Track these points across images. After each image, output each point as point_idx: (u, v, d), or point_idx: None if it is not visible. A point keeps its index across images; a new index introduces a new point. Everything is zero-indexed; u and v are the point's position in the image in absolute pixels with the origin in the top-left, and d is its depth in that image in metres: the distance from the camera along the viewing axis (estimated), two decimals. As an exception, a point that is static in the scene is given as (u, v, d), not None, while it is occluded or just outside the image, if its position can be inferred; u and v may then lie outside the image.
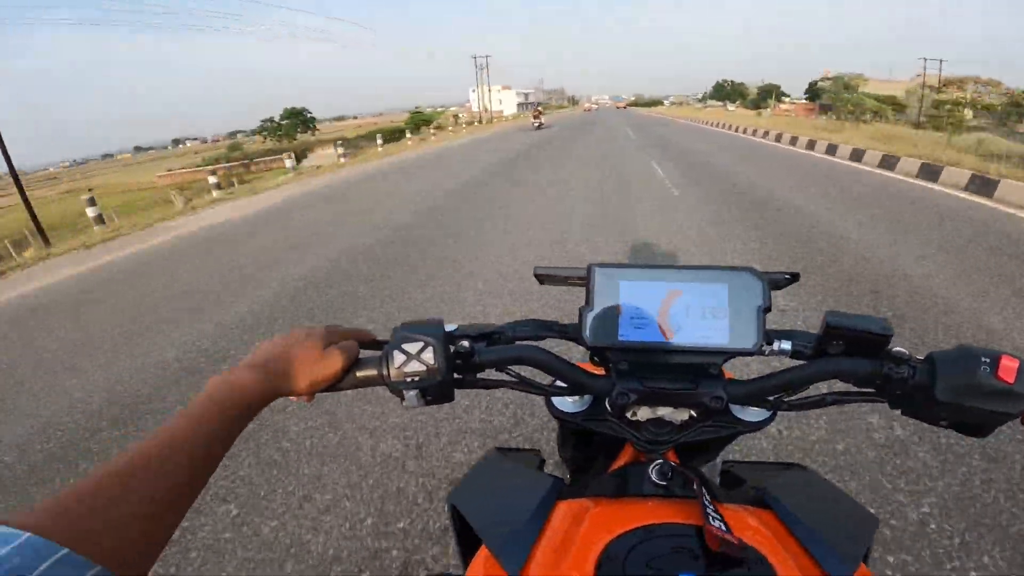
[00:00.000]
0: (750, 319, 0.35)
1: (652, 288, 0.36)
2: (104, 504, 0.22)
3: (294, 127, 32.48)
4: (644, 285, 0.36)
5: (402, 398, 0.35)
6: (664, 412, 0.37)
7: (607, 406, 0.37)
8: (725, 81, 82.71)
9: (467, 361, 0.36)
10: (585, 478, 0.48)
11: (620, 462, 0.44)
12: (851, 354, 0.34)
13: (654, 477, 0.36)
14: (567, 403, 0.41)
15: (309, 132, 33.53)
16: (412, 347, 0.34)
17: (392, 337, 0.35)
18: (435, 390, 0.35)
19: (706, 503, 0.30)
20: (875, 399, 0.35)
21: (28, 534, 0.19)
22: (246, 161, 23.33)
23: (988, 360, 0.30)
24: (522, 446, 1.21)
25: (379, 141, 14.78)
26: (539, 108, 17.57)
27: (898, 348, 0.33)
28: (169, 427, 0.27)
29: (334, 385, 0.35)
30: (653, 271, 0.36)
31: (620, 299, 0.36)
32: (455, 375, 0.36)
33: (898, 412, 0.33)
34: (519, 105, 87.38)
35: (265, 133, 32.99)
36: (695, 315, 0.35)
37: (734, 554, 0.27)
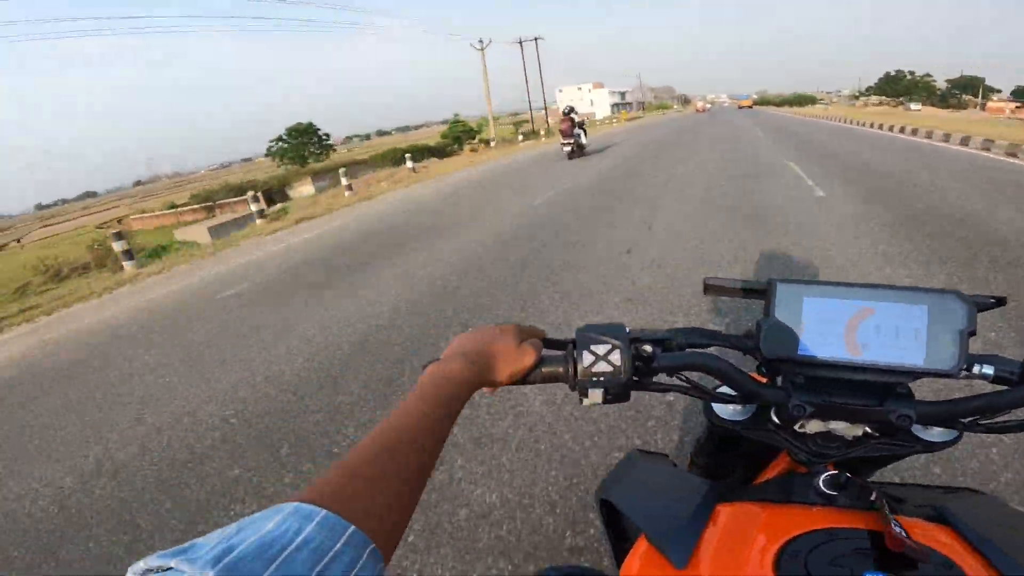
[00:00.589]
0: (951, 341, 0.37)
1: (839, 305, 0.40)
2: (371, 481, 0.26)
3: (302, 148, 25.89)
4: (830, 302, 0.40)
5: (585, 395, 0.41)
6: (836, 426, 0.41)
7: (773, 416, 0.43)
8: (900, 72, 68.59)
9: (647, 365, 0.42)
10: (729, 483, 0.54)
11: (773, 472, 0.50)
12: None
13: (823, 486, 0.41)
14: (728, 411, 0.48)
15: (323, 155, 26.72)
16: (600, 348, 0.40)
17: (577, 338, 0.41)
18: (616, 390, 0.41)
19: (887, 511, 0.34)
20: None
21: (325, 511, 0.22)
22: (210, 204, 17.91)
23: None
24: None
25: (409, 164, 12.88)
26: (573, 114, 10.21)
27: None
28: (404, 410, 0.33)
29: (524, 379, 0.42)
30: (842, 288, 0.40)
31: (803, 314, 0.40)
32: (633, 377, 0.41)
33: None
34: (613, 106, 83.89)
35: (277, 156, 25.89)
36: (887, 334, 0.38)
37: (920, 558, 0.30)
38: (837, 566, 0.33)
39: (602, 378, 0.40)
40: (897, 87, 68.50)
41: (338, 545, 0.21)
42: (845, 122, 17.12)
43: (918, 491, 0.46)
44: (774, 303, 0.42)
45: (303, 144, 26.50)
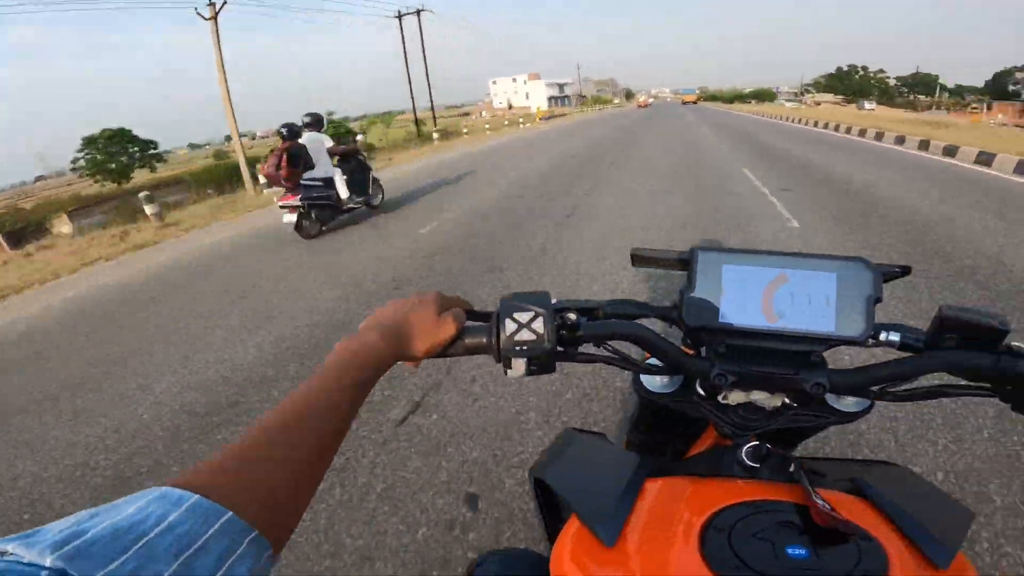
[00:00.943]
0: (859, 308, 0.44)
1: (756, 273, 0.46)
2: (256, 466, 0.28)
3: (114, 159, 21.92)
4: (748, 270, 0.46)
5: (509, 366, 0.45)
6: (757, 397, 0.48)
7: (699, 388, 0.49)
8: (852, 68, 72.42)
9: (571, 334, 0.47)
10: (662, 460, 0.62)
11: (701, 447, 0.58)
12: (965, 348, 0.42)
13: (746, 459, 0.47)
14: (656, 383, 0.55)
15: (144, 166, 23.16)
16: (523, 316, 0.45)
17: (500, 306, 0.45)
18: (541, 360, 0.45)
19: (807, 484, 0.40)
20: (987, 394, 0.44)
21: (197, 496, 0.23)
22: None
23: None
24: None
25: (148, 209, 7.59)
26: (306, 133, 5.26)
27: (1017, 343, 0.41)
28: (305, 389, 0.36)
29: (445, 351, 0.46)
30: (758, 256, 0.46)
31: (722, 283, 0.46)
32: (558, 347, 0.46)
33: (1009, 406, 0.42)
34: (551, 99, 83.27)
35: (89, 170, 22.01)
36: (800, 302, 0.45)
37: (842, 528, 0.35)
38: (760, 539, 0.39)
39: (525, 347, 0.45)
40: (849, 84, 71.40)
41: (210, 532, 0.22)
42: (805, 124, 17.18)
43: (836, 464, 0.54)
44: (695, 272, 0.48)
45: (116, 154, 22.47)
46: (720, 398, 0.50)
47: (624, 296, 0.70)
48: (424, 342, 0.45)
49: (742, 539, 0.39)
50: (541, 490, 0.55)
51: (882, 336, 0.47)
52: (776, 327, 0.46)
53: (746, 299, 0.47)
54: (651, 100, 72.14)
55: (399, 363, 0.44)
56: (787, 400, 0.49)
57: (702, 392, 0.51)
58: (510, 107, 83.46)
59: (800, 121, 18.07)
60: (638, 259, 0.54)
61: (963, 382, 0.45)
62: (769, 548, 0.38)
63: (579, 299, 0.52)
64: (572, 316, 0.47)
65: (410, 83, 20.20)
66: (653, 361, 0.51)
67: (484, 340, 0.46)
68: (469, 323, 0.48)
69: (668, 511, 0.44)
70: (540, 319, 0.45)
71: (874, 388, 0.47)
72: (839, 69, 74.50)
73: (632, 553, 0.41)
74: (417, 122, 21.72)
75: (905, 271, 0.51)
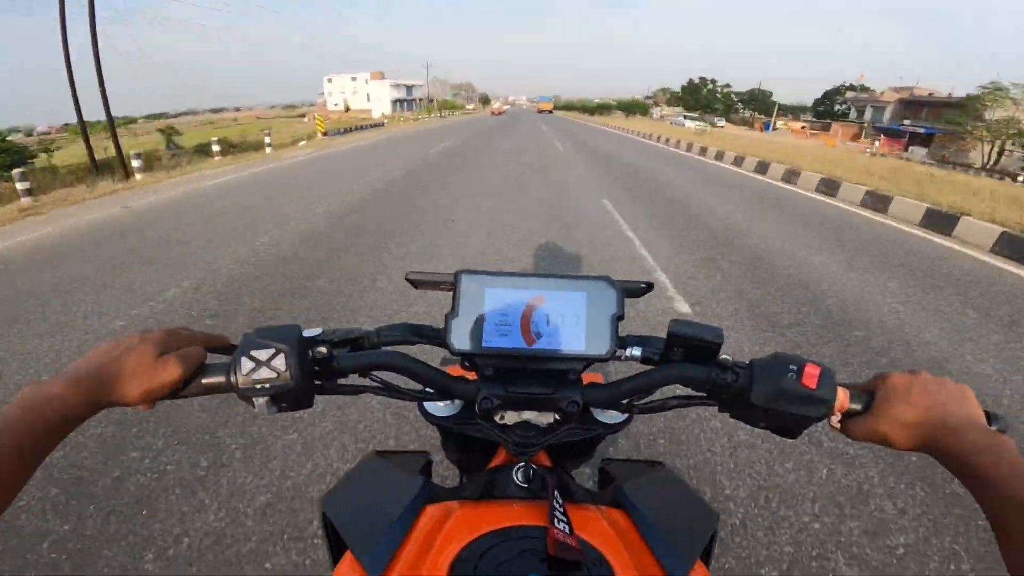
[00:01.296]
0: (604, 327, 0.55)
1: (515, 295, 0.55)
2: None
3: None
4: (508, 293, 0.55)
5: (252, 405, 0.50)
6: (530, 416, 0.58)
7: (476, 410, 0.56)
8: (702, 81, 79.48)
9: (326, 367, 0.54)
10: (452, 483, 0.76)
11: (494, 463, 0.69)
12: (690, 360, 0.56)
13: (518, 479, 0.59)
14: (439, 407, 0.64)
15: None
16: (262, 354, 0.50)
17: (241, 342, 0.51)
18: (289, 397, 0.51)
19: (555, 505, 0.50)
20: (707, 403, 0.57)
21: None
22: None
23: (795, 368, 0.51)
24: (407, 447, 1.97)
25: None
26: None
27: (724, 356, 0.55)
28: None
29: (175, 392, 0.50)
30: (517, 279, 0.56)
31: (485, 306, 0.55)
32: (316, 381, 0.54)
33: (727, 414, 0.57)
34: (396, 103, 79.55)
35: None
36: (555, 322, 0.55)
37: (571, 556, 0.45)
38: (504, 571, 0.47)
39: (266, 385, 0.49)
40: (697, 97, 78.83)
41: None
42: (667, 143, 18.01)
43: (625, 468, 0.70)
44: (459, 296, 0.55)
45: None
46: (497, 419, 0.60)
47: None
48: (137, 387, 0.48)
49: (486, 571, 0.47)
50: (327, 523, 0.61)
51: (627, 352, 0.60)
52: (534, 349, 0.55)
53: (507, 322, 0.56)
54: (506, 107, 74.29)
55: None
56: (557, 417, 0.59)
57: (478, 414, 0.59)
58: (347, 109, 78.97)
59: (665, 141, 18.10)
60: (415, 282, 0.66)
61: (691, 392, 0.59)
62: None
63: (348, 327, 0.61)
64: (323, 349, 0.54)
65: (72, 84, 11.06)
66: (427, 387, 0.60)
67: (223, 379, 0.51)
68: (212, 361, 0.53)
69: (432, 541, 0.52)
70: (281, 356, 0.50)
71: (624, 401, 0.60)
72: (690, 82, 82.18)
73: None
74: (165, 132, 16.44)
75: (649, 287, 0.67)
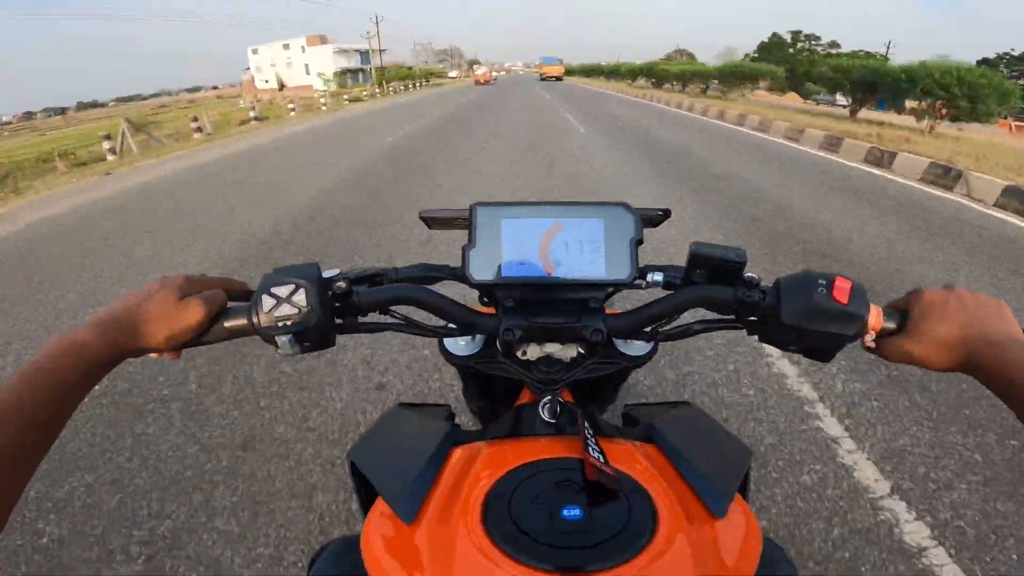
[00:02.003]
0: (624, 252, 0.70)
1: (533, 225, 0.71)
2: None
3: None
4: (525, 223, 0.71)
5: (275, 344, 0.65)
6: (552, 349, 0.76)
7: (497, 346, 0.76)
8: (794, 36, 79.81)
9: (346, 303, 0.70)
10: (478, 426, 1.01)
11: (518, 403, 0.86)
12: (713, 282, 0.71)
13: (545, 416, 0.74)
14: (459, 346, 0.84)
15: None
16: (282, 290, 0.64)
17: (261, 282, 0.65)
18: (312, 335, 0.66)
19: (588, 436, 0.62)
20: (734, 326, 0.73)
21: None
22: None
23: (824, 282, 0.63)
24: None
25: None
26: None
27: (749, 274, 0.69)
28: (12, 386, 0.52)
29: (198, 338, 0.65)
30: (533, 208, 0.71)
31: (502, 237, 0.71)
32: (336, 319, 0.70)
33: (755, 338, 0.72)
34: (345, 73, 78.67)
35: None
36: (574, 250, 0.70)
37: (610, 484, 0.56)
38: (539, 502, 0.58)
39: (288, 322, 0.64)
40: (785, 59, 72.96)
41: None
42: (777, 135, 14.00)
43: (650, 409, 0.87)
44: (476, 228, 0.71)
45: None
46: (519, 354, 0.77)
47: None
48: (161, 331, 0.62)
49: (521, 504, 0.58)
50: (355, 473, 0.76)
51: (649, 277, 0.77)
52: (554, 277, 0.71)
53: (525, 251, 0.71)
54: (494, 75, 72.42)
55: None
56: (581, 350, 0.77)
57: (500, 349, 0.78)
58: (281, 87, 77.39)
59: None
60: (428, 221, 0.84)
61: (717, 316, 0.75)
62: (545, 511, 0.57)
63: (367, 265, 0.80)
64: (342, 285, 0.69)
65: None
66: (448, 323, 0.77)
67: (244, 320, 0.66)
68: (233, 304, 0.68)
69: (463, 478, 0.65)
70: (301, 291, 0.64)
71: (647, 329, 0.77)
72: (774, 37, 78.99)
73: (426, 528, 0.60)
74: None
75: (666, 214, 0.83)
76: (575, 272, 0.70)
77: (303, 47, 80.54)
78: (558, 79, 60.30)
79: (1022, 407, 0.56)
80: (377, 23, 69.06)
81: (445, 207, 0.81)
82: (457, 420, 0.86)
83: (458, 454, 0.71)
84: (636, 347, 0.84)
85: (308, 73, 78.36)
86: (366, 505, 0.73)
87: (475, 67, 77.39)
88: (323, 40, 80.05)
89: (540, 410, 0.76)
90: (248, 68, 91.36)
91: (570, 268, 0.70)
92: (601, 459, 0.59)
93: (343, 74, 76.44)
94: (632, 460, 0.67)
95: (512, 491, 0.60)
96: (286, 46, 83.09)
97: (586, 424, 0.66)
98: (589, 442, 0.61)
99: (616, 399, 1.08)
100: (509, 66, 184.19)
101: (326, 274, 0.71)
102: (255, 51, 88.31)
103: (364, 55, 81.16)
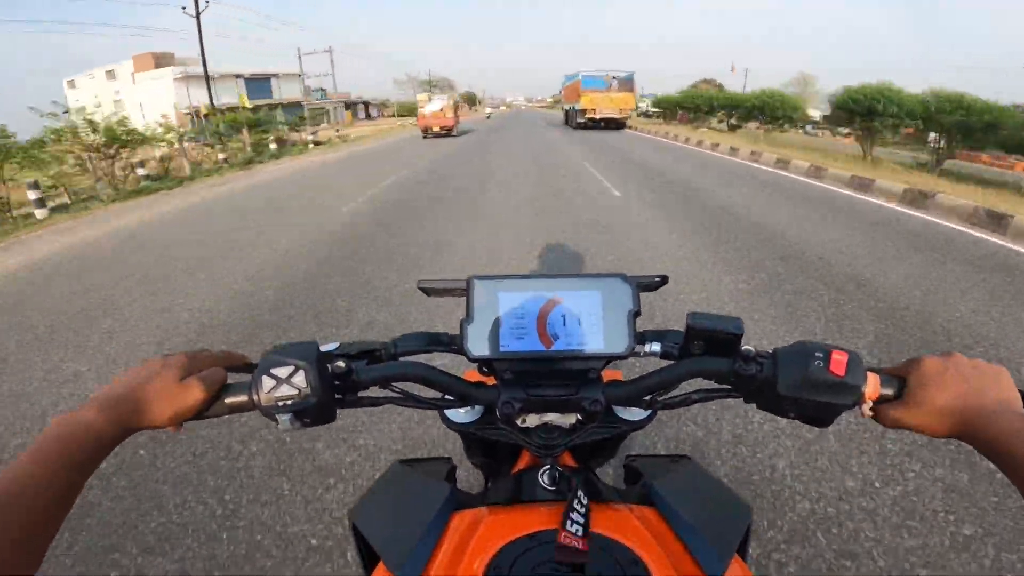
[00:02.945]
0: (621, 324, 0.98)
1: (530, 298, 0.98)
2: None
3: None
4: (521, 296, 0.98)
5: (275, 422, 0.91)
6: (551, 417, 1.05)
7: (497, 415, 1.01)
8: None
9: (345, 381, 0.96)
10: (488, 486, 1.53)
11: (519, 467, 1.21)
12: (711, 353, 1.01)
13: (544, 482, 1.06)
14: (459, 414, 1.12)
15: None
16: (282, 371, 0.89)
17: (260, 362, 0.91)
18: (312, 412, 0.92)
19: (574, 506, 0.89)
20: (732, 395, 1.04)
21: None
22: None
23: (821, 355, 0.90)
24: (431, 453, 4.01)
25: None
26: None
27: (747, 346, 0.97)
28: (8, 473, 0.71)
29: (200, 414, 0.93)
30: (530, 281, 1.00)
31: (500, 310, 0.98)
32: (336, 395, 0.98)
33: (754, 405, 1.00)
34: (215, 114, 59.61)
35: None
36: (572, 323, 0.98)
37: (575, 559, 0.81)
38: (538, 574, 0.83)
39: (288, 402, 0.89)
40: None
41: None
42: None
43: (650, 462, 1.26)
44: (473, 301, 0.98)
45: None
46: (519, 422, 1.04)
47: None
48: (163, 410, 0.88)
49: (522, 574, 0.84)
50: (357, 535, 1.04)
51: (647, 347, 1.07)
52: (552, 351, 0.97)
53: (523, 325, 0.97)
54: (490, 110, 76.88)
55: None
56: (579, 417, 1.03)
57: (500, 419, 1.01)
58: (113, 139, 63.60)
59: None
60: (427, 290, 1.16)
61: (715, 385, 1.03)
62: None
63: (360, 340, 1.09)
64: (342, 364, 0.95)
65: None
66: (447, 395, 1.08)
67: (245, 398, 0.93)
68: (236, 378, 0.98)
69: (463, 549, 0.90)
70: (301, 373, 0.89)
71: (646, 398, 1.06)
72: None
73: None
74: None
75: (663, 281, 1.17)
76: (573, 345, 0.97)
77: (132, 73, 71.93)
78: (617, 125, 45.64)
79: (1015, 475, 0.74)
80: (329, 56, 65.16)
81: (443, 278, 1.14)
82: (458, 474, 1.28)
83: (459, 519, 1.00)
84: (634, 412, 1.11)
85: (143, 115, 58.93)
86: (367, 565, 1.01)
87: (424, 100, 47.46)
88: (157, 63, 70.05)
89: (540, 477, 1.07)
90: (66, 102, 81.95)
91: (568, 341, 0.97)
92: (580, 531, 0.85)
93: (215, 115, 53.98)
94: (629, 526, 0.95)
95: (512, 563, 0.85)
96: (111, 73, 72.79)
97: (579, 493, 0.94)
98: (573, 512, 0.88)
99: (617, 453, 1.44)
100: (510, 101, 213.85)
101: (324, 348, 1.01)
102: (71, 84, 76.59)
103: (259, 84, 72.72)
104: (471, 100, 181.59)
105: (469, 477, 2.37)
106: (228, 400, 0.92)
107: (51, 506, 0.72)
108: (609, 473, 2.25)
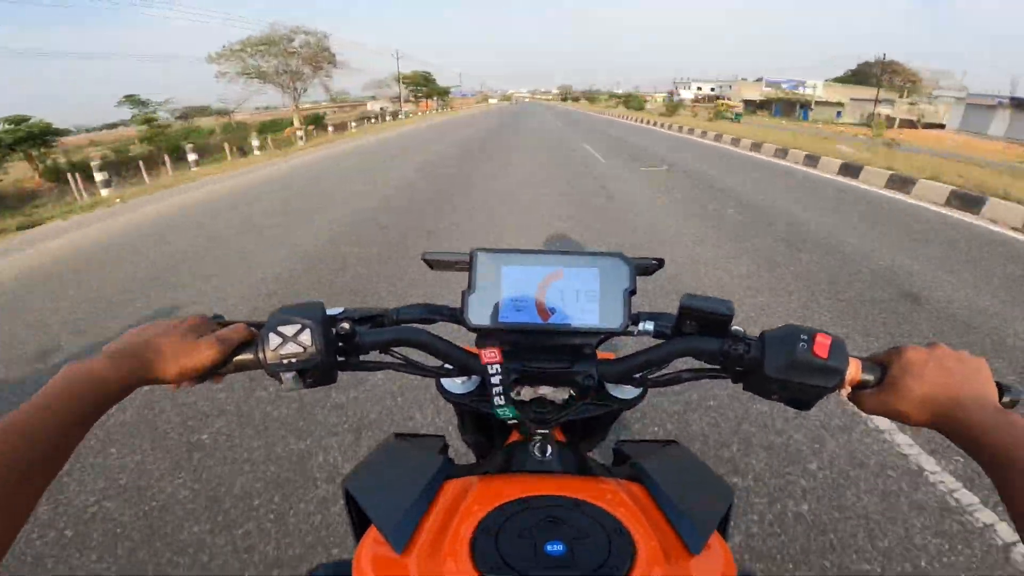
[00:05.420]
0: (617, 301, 0.99)
1: (531, 272, 1.00)
2: None
3: None
4: (524, 269, 1.00)
5: (279, 380, 0.94)
6: (545, 391, 1.08)
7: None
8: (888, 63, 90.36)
9: (349, 343, 1.00)
10: (475, 463, 1.32)
11: (511, 441, 1.24)
12: (702, 333, 1.02)
13: (536, 453, 1.09)
14: (456, 384, 1.18)
15: None
16: (288, 329, 0.92)
17: (268, 320, 0.95)
18: (315, 372, 0.95)
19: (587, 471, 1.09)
20: (720, 375, 1.05)
21: None
22: None
23: (806, 338, 0.91)
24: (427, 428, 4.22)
25: None
26: None
27: (736, 327, 1.01)
28: (17, 414, 0.73)
29: (207, 375, 0.96)
30: (532, 256, 1.02)
31: (501, 282, 0.99)
32: (339, 357, 1.01)
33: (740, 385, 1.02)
34: None
35: None
36: (570, 298, 0.99)
37: (598, 523, 0.86)
38: (525, 537, 0.83)
39: (293, 360, 0.91)
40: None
41: None
42: None
43: (639, 447, 1.22)
44: (476, 273, 1.00)
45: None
46: (513, 395, 1.06)
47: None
48: (174, 366, 0.90)
49: (508, 538, 0.83)
50: (349, 501, 1.04)
51: (640, 326, 1.06)
52: (549, 324, 0.99)
53: (523, 298, 0.99)
54: (493, 101, 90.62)
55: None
56: (573, 392, 1.06)
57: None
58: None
59: None
60: (430, 263, 1.14)
61: (704, 365, 1.05)
62: (531, 546, 0.81)
63: (366, 307, 1.11)
64: (346, 326, 0.98)
65: None
66: (446, 364, 1.09)
67: (251, 356, 0.95)
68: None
69: (453, 511, 0.92)
70: (307, 331, 0.92)
71: (637, 375, 1.07)
72: (864, 65, 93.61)
73: (416, 558, 0.84)
74: None
75: (660, 264, 1.15)
76: (570, 320, 0.99)
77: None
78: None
79: (986, 463, 0.77)
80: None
81: (448, 251, 1.14)
82: (451, 451, 1.22)
83: (450, 487, 1.01)
84: (626, 391, 1.15)
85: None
86: (359, 532, 1.00)
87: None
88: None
89: (532, 449, 1.10)
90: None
91: (565, 316, 0.99)
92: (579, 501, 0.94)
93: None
94: (617, 498, 0.97)
95: (500, 525, 0.86)
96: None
97: (573, 464, 1.08)
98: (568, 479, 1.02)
99: (607, 436, 1.48)
100: (512, 92, 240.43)
101: (330, 312, 1.02)
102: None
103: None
104: (435, 93, 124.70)
105: (460, 457, 1.92)
106: (237, 358, 0.94)
107: (51, 452, 0.74)
108: (599, 458, 2.23)
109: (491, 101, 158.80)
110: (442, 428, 4.86)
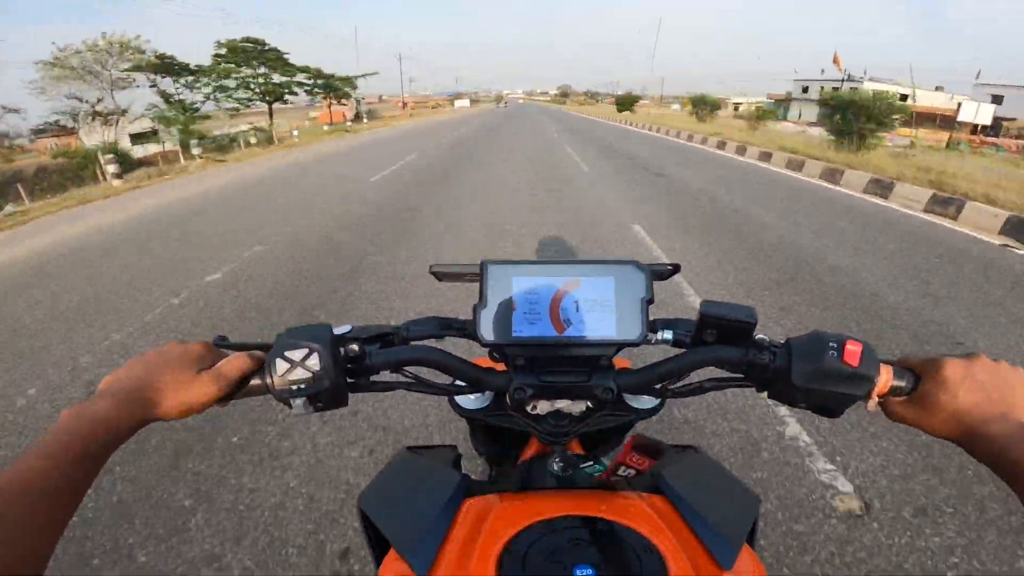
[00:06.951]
0: (635, 311, 0.96)
1: (543, 283, 0.97)
2: None
3: None
4: (536, 281, 0.97)
5: (289, 406, 0.90)
6: (562, 404, 1.04)
7: (507, 401, 1.01)
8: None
9: (359, 364, 0.97)
10: (490, 476, 1.67)
11: (527, 454, 1.34)
12: (724, 342, 0.98)
13: (555, 469, 1.09)
14: (470, 400, 1.15)
15: None
16: (296, 354, 0.88)
17: (274, 345, 0.90)
18: (325, 396, 0.91)
19: (607, 483, 1.02)
20: (745, 384, 1.02)
21: None
22: None
23: (835, 345, 0.88)
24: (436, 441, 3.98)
25: None
26: None
27: (760, 335, 0.98)
28: (19, 467, 0.67)
29: (213, 403, 0.90)
30: (544, 267, 0.98)
31: (513, 295, 0.96)
32: (348, 379, 0.97)
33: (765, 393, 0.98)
34: None
35: None
36: (585, 309, 0.96)
37: (626, 541, 0.85)
38: (553, 561, 0.82)
39: (302, 386, 0.88)
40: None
41: None
42: None
43: (655, 447, 1.01)
44: (486, 286, 0.97)
45: None
46: (529, 409, 1.03)
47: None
48: (176, 402, 0.85)
49: (535, 563, 0.81)
50: (366, 521, 1.02)
51: (659, 335, 1.06)
52: (565, 336, 0.96)
53: (536, 311, 0.96)
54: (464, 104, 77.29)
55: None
56: (590, 404, 1.03)
57: (510, 405, 1.01)
58: None
59: None
60: (439, 275, 1.14)
61: (727, 374, 1.02)
62: (560, 569, 0.79)
63: (373, 324, 1.07)
64: (355, 347, 0.95)
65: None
66: (458, 380, 1.08)
67: (259, 381, 0.93)
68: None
69: (476, 534, 0.89)
70: (315, 355, 0.88)
71: (657, 386, 1.05)
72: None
73: None
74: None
75: (675, 269, 1.16)
76: (586, 331, 0.95)
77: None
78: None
79: (1011, 482, 0.73)
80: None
81: (456, 262, 1.12)
82: (463, 461, 1.22)
83: (470, 507, 0.99)
84: (645, 401, 1.12)
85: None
86: (377, 553, 1.00)
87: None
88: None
89: (551, 464, 1.10)
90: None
91: (581, 327, 0.95)
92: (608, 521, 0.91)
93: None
94: (641, 514, 0.94)
95: (526, 550, 0.84)
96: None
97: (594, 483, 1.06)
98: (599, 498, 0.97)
99: (622, 443, 1.49)
100: (507, 93, 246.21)
101: (337, 331, 0.98)
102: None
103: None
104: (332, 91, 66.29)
105: (472, 467, 2.28)
106: (242, 387, 0.90)
107: (60, 501, 0.68)
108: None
109: (457, 104, 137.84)
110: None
